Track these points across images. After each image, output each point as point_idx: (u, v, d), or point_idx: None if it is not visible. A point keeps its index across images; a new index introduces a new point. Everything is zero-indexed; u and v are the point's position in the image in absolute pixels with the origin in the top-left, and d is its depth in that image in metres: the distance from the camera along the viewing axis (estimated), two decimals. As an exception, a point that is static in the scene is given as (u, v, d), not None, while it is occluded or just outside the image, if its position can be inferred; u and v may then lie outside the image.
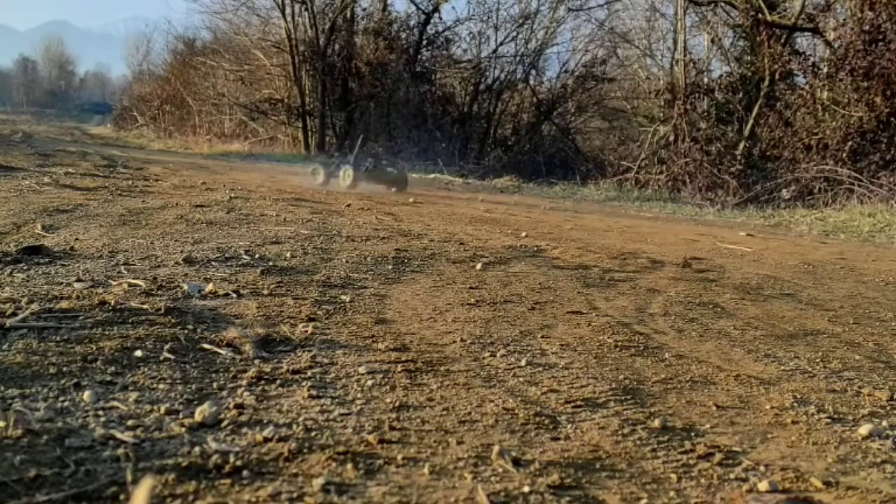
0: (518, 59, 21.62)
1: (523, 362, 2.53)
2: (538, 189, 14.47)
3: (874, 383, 2.56)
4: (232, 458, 1.65)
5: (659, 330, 3.17)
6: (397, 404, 2.06)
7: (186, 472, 1.58)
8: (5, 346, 2.31)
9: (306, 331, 2.73)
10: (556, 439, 1.89)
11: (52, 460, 1.59)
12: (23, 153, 12.34)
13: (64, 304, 2.80)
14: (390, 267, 4.21)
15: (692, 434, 1.99)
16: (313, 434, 1.82)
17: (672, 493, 1.63)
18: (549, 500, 1.57)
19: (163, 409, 1.91)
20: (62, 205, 5.91)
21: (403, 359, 2.49)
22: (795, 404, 2.28)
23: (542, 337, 2.91)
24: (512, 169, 17.20)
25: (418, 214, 7.43)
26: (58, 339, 2.41)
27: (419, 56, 22.03)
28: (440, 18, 22.08)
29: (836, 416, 2.21)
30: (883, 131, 11.70)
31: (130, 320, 2.68)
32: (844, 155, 11.79)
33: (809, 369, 2.70)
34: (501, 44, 21.95)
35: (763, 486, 1.68)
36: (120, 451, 1.65)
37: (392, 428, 1.89)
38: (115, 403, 1.93)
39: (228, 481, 1.55)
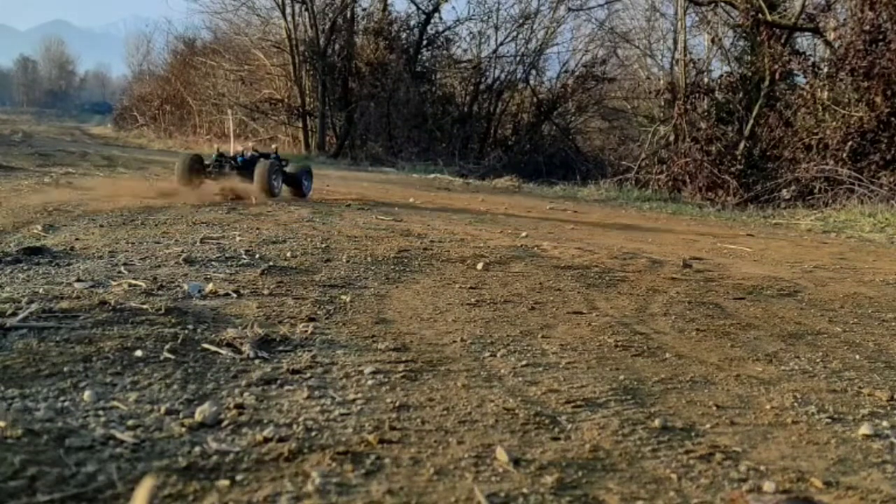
0: (518, 59, 21.63)
1: (523, 362, 2.53)
2: (538, 189, 14.46)
3: (874, 383, 2.56)
4: (232, 458, 1.65)
5: (659, 330, 3.17)
6: (397, 404, 2.06)
7: (186, 473, 1.58)
8: (5, 345, 2.31)
9: (306, 331, 2.73)
10: (556, 439, 1.89)
11: (52, 460, 1.59)
12: (23, 153, 12.34)
13: (64, 304, 2.80)
14: (391, 267, 4.21)
15: (692, 434, 1.99)
16: (313, 434, 1.82)
17: (672, 493, 1.63)
18: (549, 500, 1.57)
19: (163, 409, 1.91)
20: (62, 205, 5.91)
21: (404, 359, 2.48)
22: (796, 404, 2.28)
23: (543, 337, 2.91)
24: (512, 169, 17.19)
25: (418, 214, 7.43)
26: (58, 339, 2.41)
27: (419, 56, 22.04)
28: (440, 18, 22.09)
29: (836, 416, 2.21)
30: (883, 131, 11.70)
31: (130, 320, 2.68)
32: (845, 155, 11.79)
33: (809, 369, 2.70)
34: (501, 44, 21.96)
35: (763, 485, 1.68)
36: (120, 451, 1.65)
37: (392, 428, 1.89)
38: (115, 403, 1.93)
39: (228, 481, 1.55)
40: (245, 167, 7.53)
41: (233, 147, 8.11)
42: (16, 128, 24.32)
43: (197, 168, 7.49)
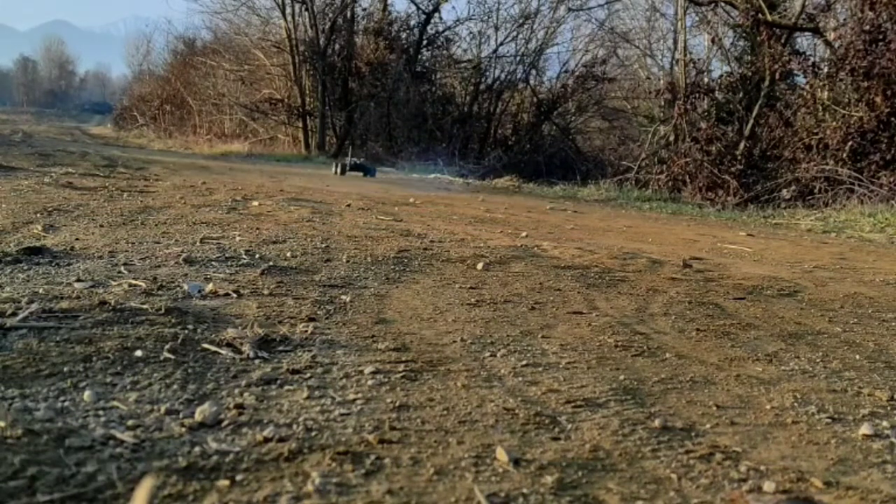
0: (518, 59, 21.65)
1: (524, 362, 2.53)
2: (538, 189, 14.47)
3: (874, 383, 2.56)
4: (232, 458, 1.65)
5: (659, 330, 3.17)
6: (397, 404, 2.06)
7: (186, 473, 1.58)
8: (5, 346, 2.31)
9: (306, 331, 2.73)
10: (556, 439, 1.89)
11: (52, 460, 1.59)
12: (23, 153, 12.34)
13: (64, 304, 2.80)
14: (391, 267, 4.21)
15: (692, 434, 1.99)
16: (313, 434, 1.82)
17: (672, 493, 1.63)
18: (549, 500, 1.57)
19: (163, 409, 1.91)
20: (62, 205, 5.91)
21: (404, 359, 2.48)
22: (796, 404, 2.28)
23: (543, 337, 2.91)
24: (512, 169, 17.20)
25: (419, 214, 7.43)
26: (58, 339, 2.41)
27: (419, 56, 22.06)
28: (440, 18, 22.13)
29: (836, 416, 2.21)
30: (883, 131, 11.70)
31: (130, 320, 2.68)
32: (845, 155, 11.80)
33: (809, 369, 2.70)
34: (501, 44, 21.98)
35: (764, 485, 1.68)
36: (120, 451, 1.65)
37: (392, 428, 1.89)
38: (115, 403, 1.93)
39: (228, 481, 1.55)
40: (361, 167, 14.99)
41: (351, 158, 15.60)
42: (16, 128, 24.36)
43: (343, 168, 14.75)
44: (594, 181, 15.65)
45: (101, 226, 5.00)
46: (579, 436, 1.92)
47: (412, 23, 21.98)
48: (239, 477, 1.57)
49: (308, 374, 2.27)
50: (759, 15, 13.77)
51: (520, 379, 2.36)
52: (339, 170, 14.82)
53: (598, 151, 20.93)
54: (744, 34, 15.60)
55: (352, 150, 17.68)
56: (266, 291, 3.37)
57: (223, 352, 2.42)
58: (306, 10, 21.65)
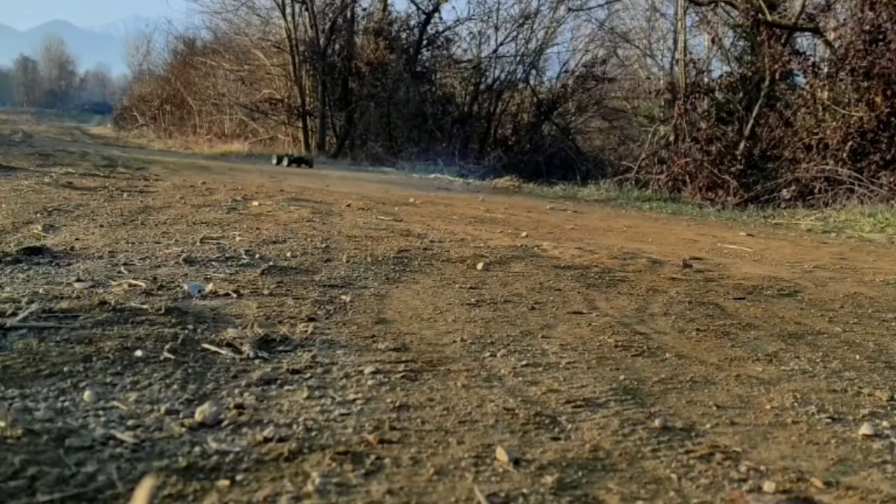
0: (518, 59, 21.66)
1: (524, 362, 2.53)
2: (538, 189, 14.47)
3: (874, 383, 2.56)
4: (232, 458, 1.65)
5: (659, 330, 3.17)
6: (397, 404, 2.06)
7: (186, 473, 1.58)
8: (5, 346, 2.31)
9: (306, 331, 2.73)
10: (556, 439, 1.89)
11: (52, 460, 1.59)
12: (23, 153, 12.35)
13: (64, 304, 2.80)
14: (391, 267, 4.21)
15: (692, 434, 1.99)
16: (313, 434, 1.82)
17: (672, 493, 1.63)
18: (549, 500, 1.57)
19: (163, 409, 1.91)
20: (62, 205, 5.91)
21: (404, 359, 2.48)
22: (796, 404, 2.28)
23: (543, 337, 2.91)
24: (512, 169, 17.20)
25: (418, 214, 7.43)
26: (58, 339, 2.41)
27: (419, 56, 22.06)
28: (440, 18, 22.13)
29: (836, 416, 2.21)
30: (883, 131, 11.70)
31: (130, 320, 2.68)
32: (845, 155, 11.79)
33: (809, 369, 2.70)
34: (501, 44, 21.99)
35: (763, 485, 1.68)
36: (120, 451, 1.65)
37: (392, 428, 1.89)
38: (115, 403, 1.93)
39: (228, 481, 1.55)
40: (300, 160, 16.75)
41: (292, 153, 18.36)
42: (16, 128, 24.35)
43: (285, 161, 16.44)
44: (594, 181, 15.65)
45: (101, 226, 5.00)
46: (579, 436, 1.92)
47: (412, 23, 21.99)
48: (239, 477, 1.57)
49: (308, 374, 2.27)
50: (759, 15, 13.77)
51: (520, 379, 2.36)
52: (281, 162, 16.71)
53: (598, 151, 20.95)
54: (744, 34, 15.61)
55: (293, 149, 21.31)
56: (266, 291, 3.37)
57: (223, 352, 2.42)
58: (306, 10, 21.65)
